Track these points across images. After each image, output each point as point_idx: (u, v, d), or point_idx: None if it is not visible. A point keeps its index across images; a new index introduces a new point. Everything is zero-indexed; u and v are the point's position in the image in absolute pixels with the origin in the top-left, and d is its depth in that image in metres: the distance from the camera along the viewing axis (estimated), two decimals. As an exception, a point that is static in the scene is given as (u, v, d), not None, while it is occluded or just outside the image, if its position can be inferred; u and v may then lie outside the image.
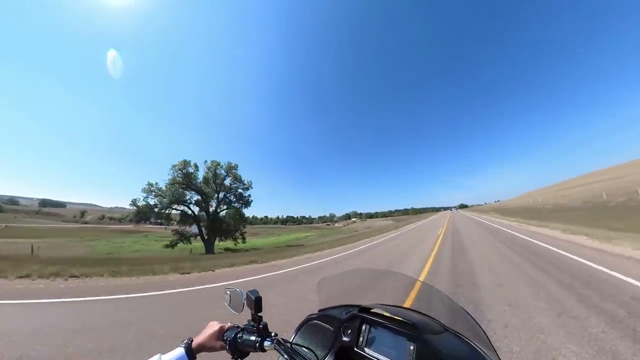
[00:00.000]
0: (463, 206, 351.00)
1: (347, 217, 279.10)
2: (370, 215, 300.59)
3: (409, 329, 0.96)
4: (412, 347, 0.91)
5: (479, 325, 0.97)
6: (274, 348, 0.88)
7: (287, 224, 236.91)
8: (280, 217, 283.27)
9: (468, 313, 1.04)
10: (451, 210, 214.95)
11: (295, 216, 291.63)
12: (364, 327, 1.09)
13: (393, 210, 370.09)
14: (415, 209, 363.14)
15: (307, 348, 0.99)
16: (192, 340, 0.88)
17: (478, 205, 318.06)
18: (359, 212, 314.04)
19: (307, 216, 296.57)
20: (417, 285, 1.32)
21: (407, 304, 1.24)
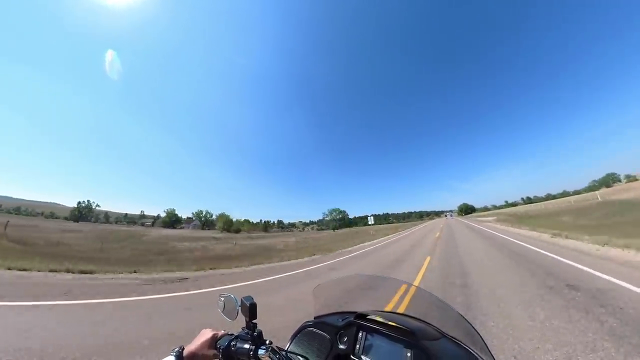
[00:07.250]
0: (467, 210, 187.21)
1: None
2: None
3: (406, 335, 0.95)
4: (409, 354, 0.91)
5: (476, 331, 0.97)
6: (269, 356, 0.86)
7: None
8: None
9: (465, 319, 1.04)
10: (446, 216, 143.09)
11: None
12: (360, 334, 1.07)
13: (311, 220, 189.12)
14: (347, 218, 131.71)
15: (302, 356, 0.98)
16: (183, 349, 0.85)
17: (485, 209, 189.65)
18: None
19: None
20: (412, 291, 1.31)
21: (401, 310, 1.22)
